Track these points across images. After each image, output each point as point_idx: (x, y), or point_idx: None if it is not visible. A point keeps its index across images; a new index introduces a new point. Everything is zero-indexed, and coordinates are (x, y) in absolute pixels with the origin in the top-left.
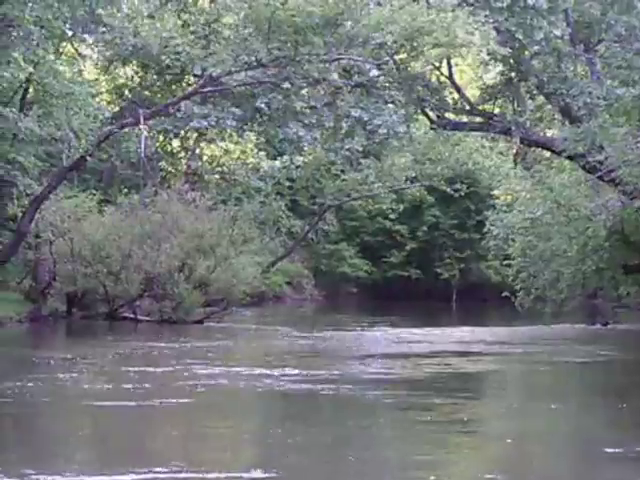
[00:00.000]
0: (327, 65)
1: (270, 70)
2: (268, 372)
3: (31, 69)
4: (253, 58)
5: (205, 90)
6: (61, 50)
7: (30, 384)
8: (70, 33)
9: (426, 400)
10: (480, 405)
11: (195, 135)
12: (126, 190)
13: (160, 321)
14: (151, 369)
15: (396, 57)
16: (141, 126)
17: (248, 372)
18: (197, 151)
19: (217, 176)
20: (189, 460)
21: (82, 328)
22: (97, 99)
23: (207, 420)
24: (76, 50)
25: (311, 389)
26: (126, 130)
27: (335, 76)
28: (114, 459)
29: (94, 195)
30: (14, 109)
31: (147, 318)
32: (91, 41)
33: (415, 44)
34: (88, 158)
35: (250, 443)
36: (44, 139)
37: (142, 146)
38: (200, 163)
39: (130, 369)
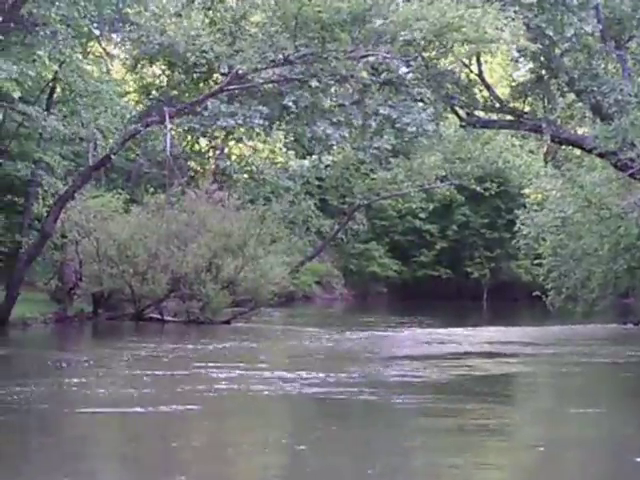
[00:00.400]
0: (355, 62)
1: (297, 67)
2: (292, 375)
3: (56, 67)
4: (280, 55)
5: (231, 88)
6: (89, 49)
7: (34, 388)
8: (97, 32)
9: (454, 405)
10: (510, 410)
11: (223, 134)
12: (152, 189)
13: (187, 322)
14: (167, 372)
15: (425, 54)
16: (166, 124)
17: (270, 375)
18: (225, 150)
19: (246, 175)
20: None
21: (106, 329)
22: (125, 98)
23: (217, 429)
24: (104, 50)
25: (335, 393)
26: (153, 129)
27: (363, 73)
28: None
29: (120, 195)
30: (38, 108)
31: (174, 319)
32: (118, 40)
33: (444, 40)
34: (113, 157)
35: (270, 453)
36: (70, 139)
37: (168, 144)
38: (229, 162)
39: (144, 372)
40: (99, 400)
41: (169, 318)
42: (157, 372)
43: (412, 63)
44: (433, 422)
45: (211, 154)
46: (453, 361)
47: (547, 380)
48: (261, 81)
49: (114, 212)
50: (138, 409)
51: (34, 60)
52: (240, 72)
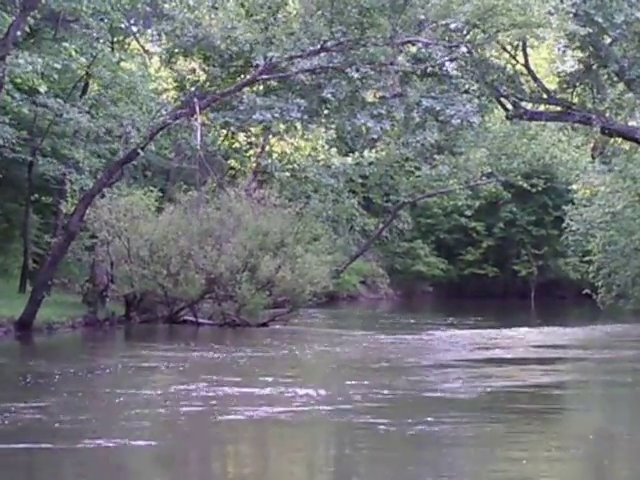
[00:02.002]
0: (395, 49)
1: (335, 57)
2: (324, 393)
3: (83, 59)
4: (316, 41)
5: (265, 77)
6: (126, 46)
7: (9, 404)
8: (134, 29)
9: (498, 429)
10: (562, 433)
11: (264, 131)
12: (185, 187)
13: (222, 324)
14: (164, 387)
15: (468, 41)
16: (196, 116)
17: (297, 392)
18: (267, 148)
19: (287, 174)
20: None
21: (137, 333)
22: (163, 96)
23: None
24: (142, 47)
25: (371, 416)
26: (186, 124)
27: (405, 63)
28: None
29: (152, 192)
30: (60, 100)
31: (209, 321)
32: (153, 34)
33: (489, 25)
34: (140, 152)
35: None
36: (99, 136)
37: (198, 138)
38: (270, 160)
39: (140, 388)
40: (65, 430)
41: (204, 321)
42: (157, 386)
43: (455, 50)
44: (482, 451)
45: (252, 152)
46: (502, 367)
47: (601, 392)
48: (296, 70)
49: (146, 210)
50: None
51: (60, 52)
52: (274, 60)
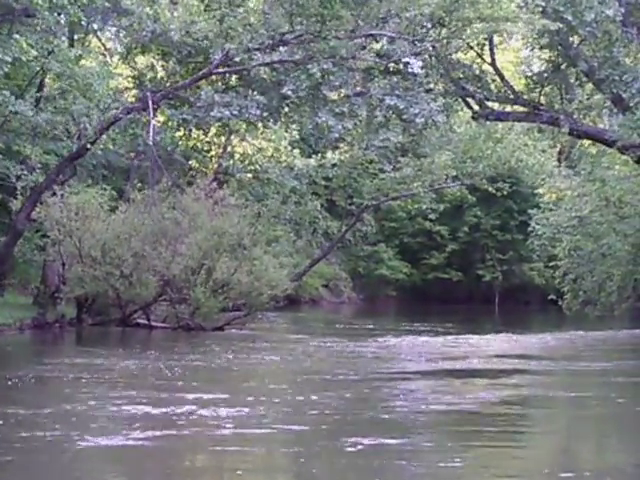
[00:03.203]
0: (357, 44)
1: (295, 52)
2: (247, 411)
3: (34, 52)
4: (275, 35)
5: (220, 71)
6: (87, 44)
7: None
8: (95, 26)
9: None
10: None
11: (223, 129)
12: (140, 185)
13: (176, 328)
14: (57, 404)
15: (434, 33)
16: (149, 111)
17: (217, 411)
18: (228, 149)
19: (249, 175)
20: None
21: (85, 336)
22: (125, 95)
23: None
24: (103, 45)
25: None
26: (137, 118)
27: (367, 58)
28: None
29: (105, 190)
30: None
31: (162, 324)
32: (112, 32)
33: (455, 18)
34: (90, 147)
35: None
36: (57, 134)
37: (150, 134)
38: (231, 161)
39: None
40: None
41: (157, 324)
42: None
43: (420, 46)
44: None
45: (213, 152)
46: (454, 382)
47: (566, 409)
48: (254, 64)
49: (98, 209)
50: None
51: (12, 46)
52: (231, 53)
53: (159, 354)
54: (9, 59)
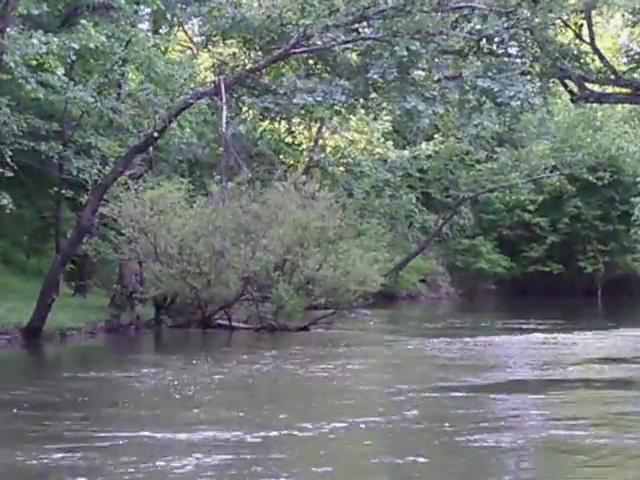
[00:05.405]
0: (445, 20)
1: (377, 29)
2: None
3: (103, 38)
4: (354, 9)
5: (297, 51)
6: (172, 37)
7: None
8: (171, 16)
9: None
10: None
11: (314, 121)
12: (218, 178)
13: (258, 329)
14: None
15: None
16: (221, 95)
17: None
18: (320, 142)
19: (342, 168)
20: None
21: (161, 340)
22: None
23: None
24: (190, 39)
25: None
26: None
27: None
28: None
29: (182, 184)
30: (65, 78)
31: (244, 325)
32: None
33: None
34: (156, 135)
35: None
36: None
37: (223, 120)
38: (323, 155)
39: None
40: None
41: (239, 325)
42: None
43: (512, 17)
44: None
45: (304, 146)
46: (571, 389)
47: None
48: (334, 43)
49: (175, 204)
50: None
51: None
52: (309, 32)
53: (231, 364)
54: (76, 46)
